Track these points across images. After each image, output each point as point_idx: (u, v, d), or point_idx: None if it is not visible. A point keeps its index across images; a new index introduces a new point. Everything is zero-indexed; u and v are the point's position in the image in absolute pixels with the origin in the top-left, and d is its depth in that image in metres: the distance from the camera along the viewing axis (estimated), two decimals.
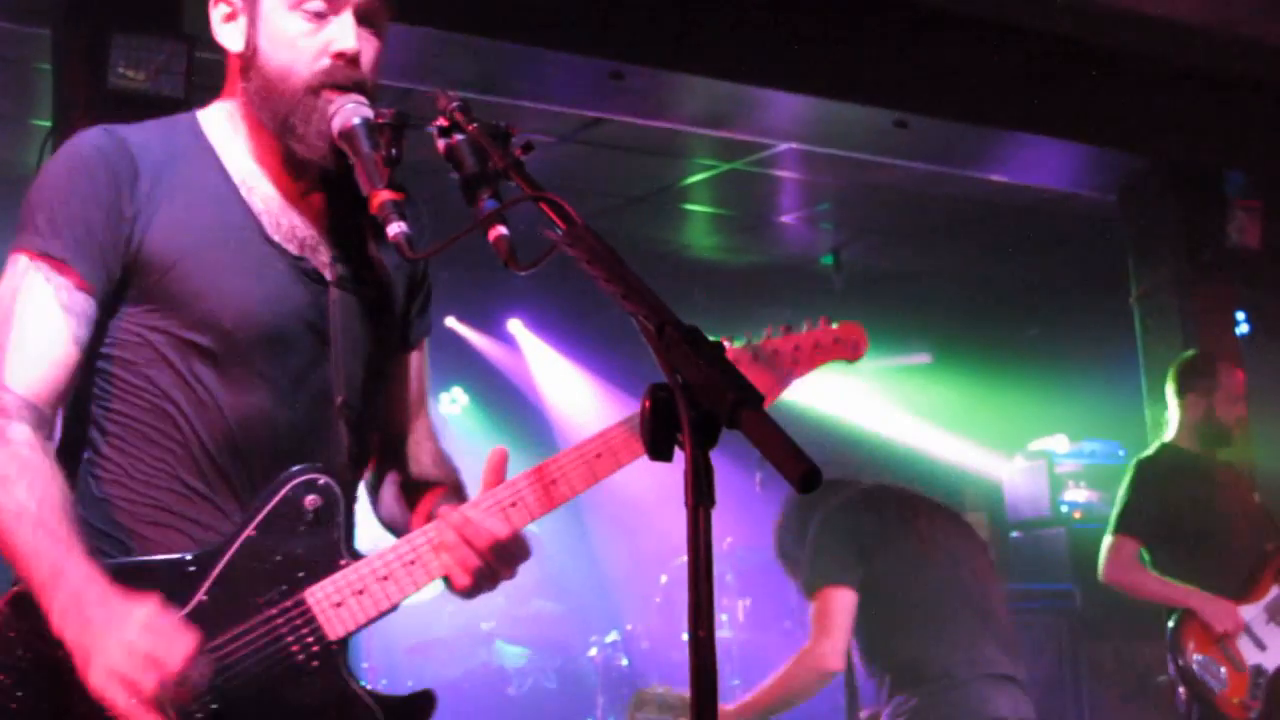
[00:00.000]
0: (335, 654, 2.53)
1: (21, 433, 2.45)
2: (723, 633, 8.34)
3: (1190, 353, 7.38)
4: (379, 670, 7.75)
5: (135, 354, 2.57)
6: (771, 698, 5.08)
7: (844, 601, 4.99)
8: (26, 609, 2.37)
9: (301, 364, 2.62)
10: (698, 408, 1.82)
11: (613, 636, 7.79)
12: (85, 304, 2.52)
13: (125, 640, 2.26)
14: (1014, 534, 9.42)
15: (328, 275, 2.67)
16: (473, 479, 2.71)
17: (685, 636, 6.43)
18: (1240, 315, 9.35)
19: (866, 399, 11.82)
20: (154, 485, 2.56)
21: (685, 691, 5.30)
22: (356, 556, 2.58)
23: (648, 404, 1.85)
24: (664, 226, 10.43)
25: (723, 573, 8.43)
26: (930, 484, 10.56)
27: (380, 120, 2.51)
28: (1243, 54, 7.91)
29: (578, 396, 11.39)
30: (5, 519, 2.37)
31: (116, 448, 2.59)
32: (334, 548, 2.56)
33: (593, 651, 7.91)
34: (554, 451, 2.68)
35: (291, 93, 2.58)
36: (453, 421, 11.79)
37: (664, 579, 8.79)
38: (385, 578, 2.55)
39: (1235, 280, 8.58)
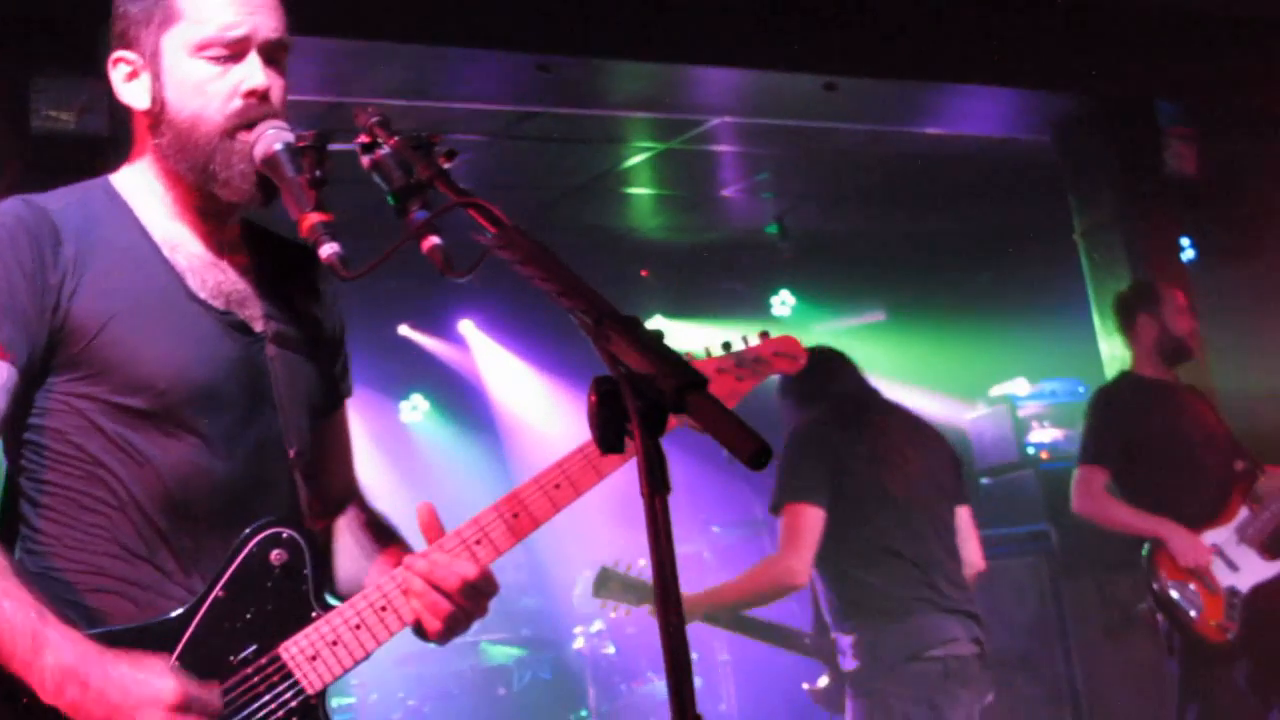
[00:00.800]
0: (315, 707, 2.53)
1: None
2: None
3: (1125, 287, 7.44)
4: (369, 685, 7.75)
5: (64, 423, 2.54)
6: (735, 594, 5.30)
7: (813, 519, 5.11)
8: None
9: (236, 418, 2.60)
10: (643, 396, 1.82)
11: (598, 626, 7.80)
12: (6, 373, 2.48)
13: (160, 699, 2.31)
14: (984, 480, 9.43)
15: (258, 328, 2.66)
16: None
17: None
18: (1185, 241, 9.41)
19: None
20: (92, 552, 2.53)
21: (648, 578, 5.44)
22: (328, 607, 2.57)
23: (594, 398, 1.86)
24: (608, 212, 10.45)
25: (699, 551, 8.45)
26: None
27: (301, 143, 2.51)
28: None
29: (530, 395, 11.36)
30: None
31: (51, 519, 2.55)
32: (304, 601, 2.56)
33: (579, 643, 7.91)
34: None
35: (207, 139, 2.57)
36: (415, 428, 11.77)
37: (642, 562, 8.79)
38: (358, 626, 2.55)
39: (1176, 208, 8.62)
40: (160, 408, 2.52)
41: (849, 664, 5.16)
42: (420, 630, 2.60)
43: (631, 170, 9.45)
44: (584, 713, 7.52)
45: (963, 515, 5.54)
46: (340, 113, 7.03)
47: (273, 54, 2.63)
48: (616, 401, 1.84)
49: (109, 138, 5.47)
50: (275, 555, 2.55)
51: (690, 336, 11.57)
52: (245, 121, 2.56)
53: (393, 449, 11.10)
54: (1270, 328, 9.04)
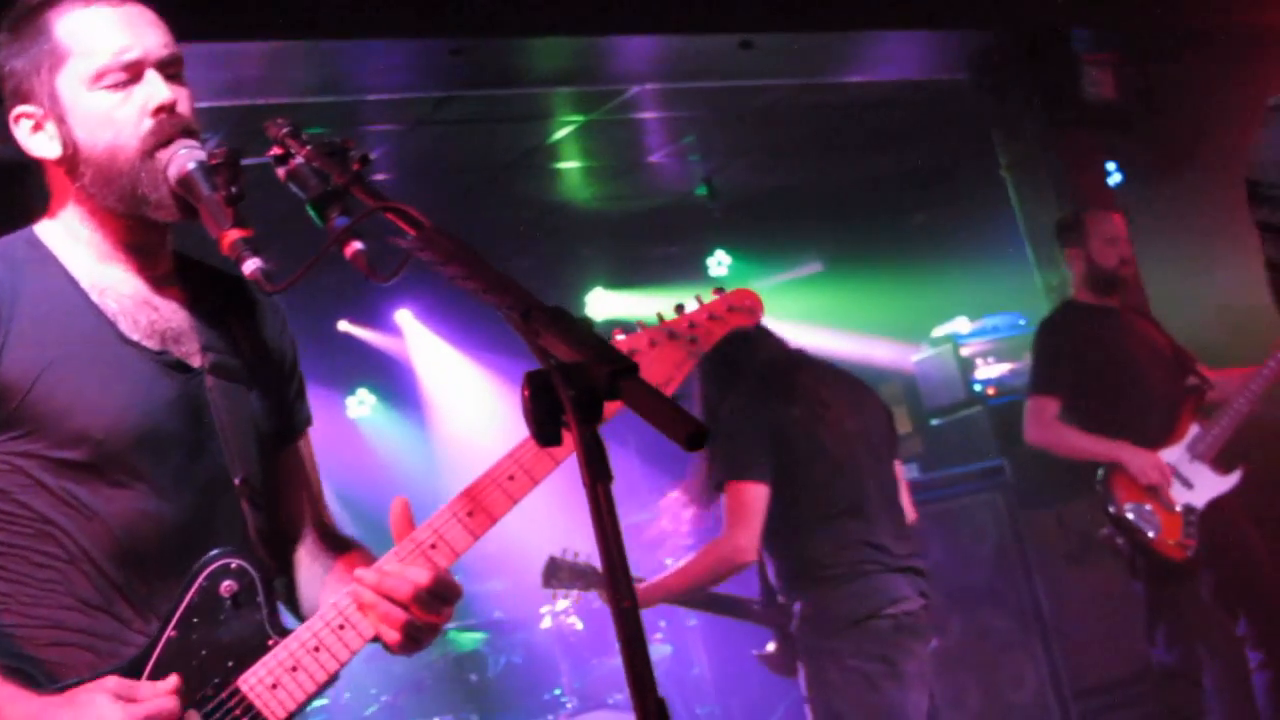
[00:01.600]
0: None
1: None
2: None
3: (1063, 214, 7.48)
4: (341, 684, 7.71)
5: (8, 482, 2.50)
6: (684, 582, 5.24)
7: (756, 495, 5.08)
8: None
9: (181, 457, 2.57)
10: (576, 386, 1.81)
11: (563, 604, 7.78)
12: None
13: None
14: (934, 421, 9.47)
15: (196, 363, 2.63)
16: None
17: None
18: (1111, 165, 9.47)
19: (768, 321, 11.84)
20: (49, 606, 2.49)
21: (597, 564, 5.43)
22: (285, 633, 2.55)
23: (526, 393, 1.85)
24: (539, 188, 10.42)
25: (657, 518, 8.45)
26: None
27: (214, 161, 2.49)
28: None
29: (470, 382, 11.33)
30: None
31: (4, 578, 2.51)
32: (259, 629, 2.54)
33: (546, 623, 7.92)
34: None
35: (129, 165, 2.55)
36: (363, 423, 11.73)
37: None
38: (317, 649, 2.51)
39: (1099, 133, 8.67)
40: (101, 458, 2.49)
41: (802, 627, 5.16)
42: (385, 644, 2.57)
43: (558, 145, 9.44)
44: (558, 691, 7.52)
45: (895, 468, 5.57)
46: (257, 116, 6.99)
47: (169, 69, 2.60)
48: (550, 394, 1.83)
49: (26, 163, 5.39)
50: (225, 587, 2.52)
51: (630, 305, 11.59)
52: (161, 139, 2.54)
53: (341, 445, 11.08)
54: (1203, 242, 9.12)
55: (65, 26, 2.57)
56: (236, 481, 2.62)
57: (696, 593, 5.40)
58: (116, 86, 2.55)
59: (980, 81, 8.64)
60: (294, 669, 2.50)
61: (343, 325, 11.27)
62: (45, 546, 2.50)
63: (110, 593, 2.50)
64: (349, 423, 11.73)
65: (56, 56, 2.56)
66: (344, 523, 2.96)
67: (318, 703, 7.95)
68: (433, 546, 2.55)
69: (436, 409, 11.48)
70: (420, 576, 2.50)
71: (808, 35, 7.78)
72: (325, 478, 2.93)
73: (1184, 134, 9.10)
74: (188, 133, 2.56)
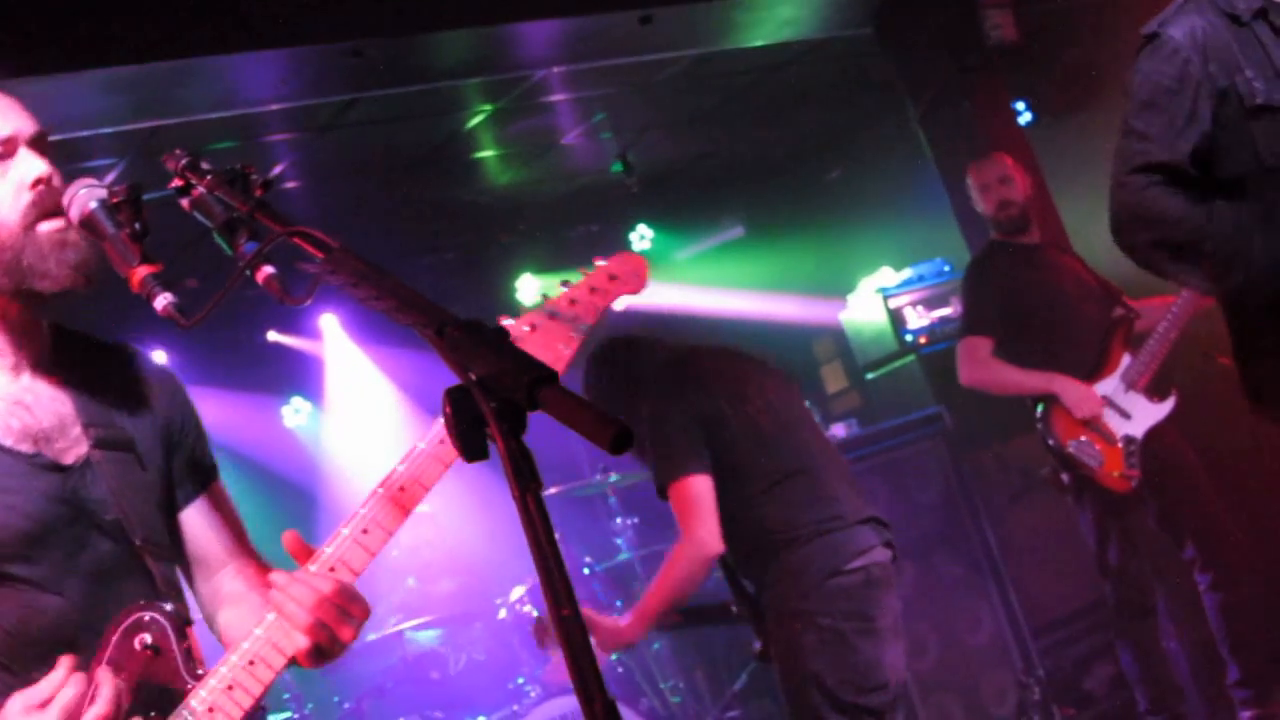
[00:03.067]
0: None
1: None
2: (622, 556, 8.39)
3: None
4: (304, 696, 7.71)
5: None
6: (663, 595, 5.14)
7: (703, 486, 5.04)
8: None
9: (61, 556, 2.59)
10: (496, 398, 1.82)
11: (517, 593, 7.79)
12: None
13: None
14: (869, 375, 9.53)
15: (74, 456, 2.65)
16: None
17: (586, 571, 6.50)
18: (1020, 106, 9.52)
19: (695, 289, 11.89)
20: None
21: (588, 610, 5.37)
22: (199, 677, 2.56)
23: (448, 409, 1.85)
24: (457, 181, 10.37)
25: (605, 495, 8.46)
26: (780, 348, 10.69)
27: (116, 199, 2.47)
28: None
29: (399, 383, 11.31)
30: None
31: None
32: (176, 676, 2.56)
33: (502, 614, 7.91)
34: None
35: (11, 238, 2.56)
36: (301, 432, 11.66)
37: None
38: (231, 687, 2.54)
39: (1004, 76, 8.70)
40: None
41: (769, 596, 5.12)
42: (295, 664, 2.60)
43: (471, 136, 9.40)
44: (520, 680, 7.51)
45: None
46: (160, 136, 6.94)
47: (40, 146, 2.63)
48: (471, 408, 1.84)
49: None
50: (140, 640, 2.55)
51: (555, 287, 11.57)
52: (43, 211, 2.56)
53: (281, 455, 11.03)
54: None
55: None
56: (138, 542, 2.64)
57: (680, 603, 5.32)
58: None
59: (884, 34, 8.65)
60: (211, 710, 2.53)
61: (271, 335, 11.20)
62: None
63: (13, 684, 2.50)
64: (287, 432, 11.66)
65: None
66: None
67: (281, 716, 7.94)
68: (331, 569, 2.57)
69: (362, 414, 11.39)
70: (324, 585, 2.53)
71: (706, 5, 7.77)
72: (268, 489, 2.95)
73: (1086, 69, 9.15)
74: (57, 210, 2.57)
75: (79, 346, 2.76)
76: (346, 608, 2.55)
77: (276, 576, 2.56)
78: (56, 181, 2.60)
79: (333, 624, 2.53)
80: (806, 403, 5.75)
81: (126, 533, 2.62)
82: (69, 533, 2.59)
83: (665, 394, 5.24)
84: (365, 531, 2.58)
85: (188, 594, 2.85)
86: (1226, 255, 3.57)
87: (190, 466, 2.88)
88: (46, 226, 2.55)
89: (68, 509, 2.60)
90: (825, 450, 5.36)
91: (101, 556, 2.62)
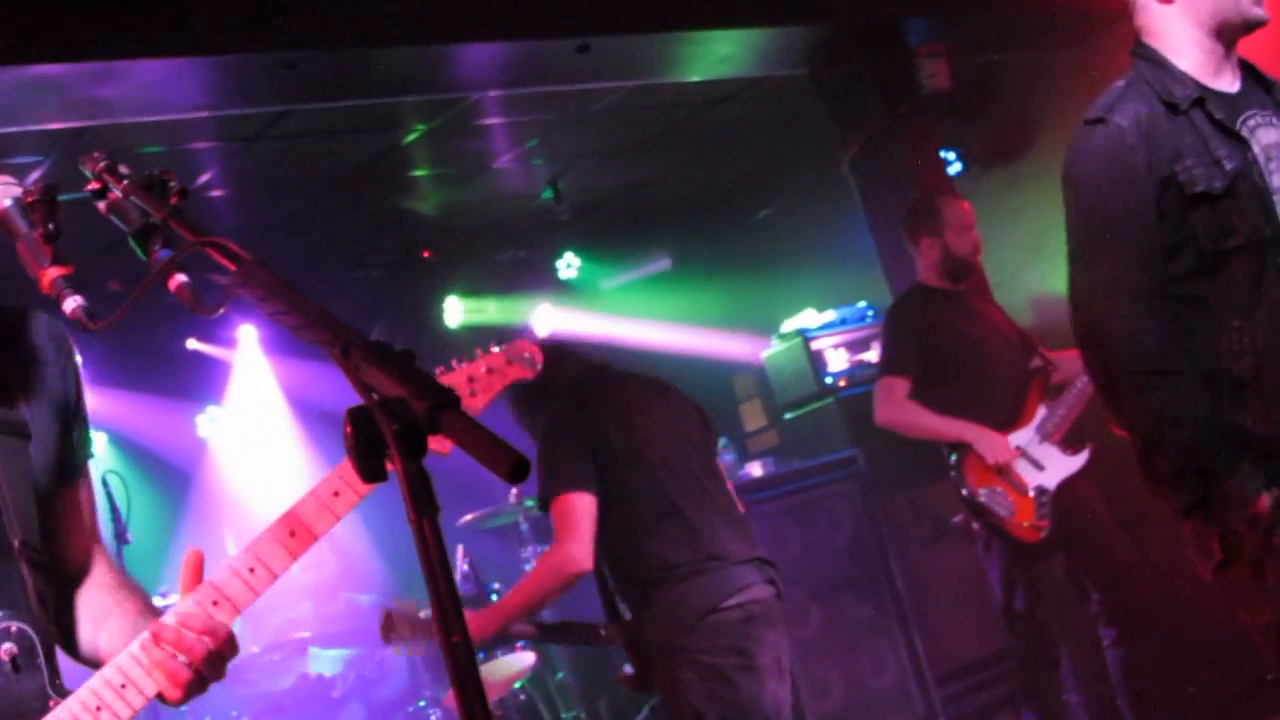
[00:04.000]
0: None
1: None
2: None
3: (914, 201, 7.54)
4: (200, 709, 7.63)
5: None
6: (521, 601, 5.20)
7: (584, 504, 5.09)
8: None
9: None
10: (398, 420, 1.80)
11: (423, 613, 7.74)
12: None
13: None
14: (787, 415, 9.56)
15: None
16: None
17: (494, 598, 6.45)
18: (950, 155, 9.59)
19: (620, 320, 11.91)
20: None
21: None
22: (66, 694, 2.52)
23: (349, 429, 1.84)
24: (387, 196, 10.32)
25: (517, 523, 8.44)
26: (701, 383, 10.69)
27: (30, 198, 2.43)
28: None
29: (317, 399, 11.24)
30: None
31: None
32: (40, 692, 2.51)
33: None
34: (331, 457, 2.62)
35: None
36: (213, 440, 11.56)
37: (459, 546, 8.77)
38: (99, 708, 2.49)
39: (936, 124, 8.77)
40: None
41: (651, 631, 5.16)
42: (161, 697, 2.55)
43: (404, 154, 9.36)
44: (422, 703, 7.48)
45: (718, 464, 5.62)
46: (88, 137, 6.88)
47: None
48: (372, 429, 1.82)
49: None
50: (4, 650, 2.50)
51: (485, 312, 11.56)
52: None
53: (191, 461, 10.96)
54: (1040, 228, 9.23)
55: None
56: (15, 544, 2.57)
57: (535, 611, 5.37)
58: None
59: (818, 76, 8.70)
60: None
61: (190, 343, 11.11)
62: None
63: None
64: (199, 440, 11.56)
65: None
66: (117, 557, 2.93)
67: None
68: (215, 604, 2.53)
69: (290, 423, 11.34)
70: (220, 629, 2.52)
71: (644, 37, 7.79)
72: (181, 499, 2.90)
73: (1017, 122, 9.25)
74: None
75: None
76: (228, 654, 2.53)
77: (161, 628, 2.50)
78: None
79: (209, 674, 2.52)
80: (722, 439, 5.78)
81: (6, 531, 2.56)
82: None
83: (563, 410, 5.30)
84: (251, 570, 2.56)
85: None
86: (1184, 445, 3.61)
87: (75, 449, 2.80)
88: None
89: None
90: (713, 487, 5.39)
91: None
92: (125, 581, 2.83)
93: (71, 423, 2.79)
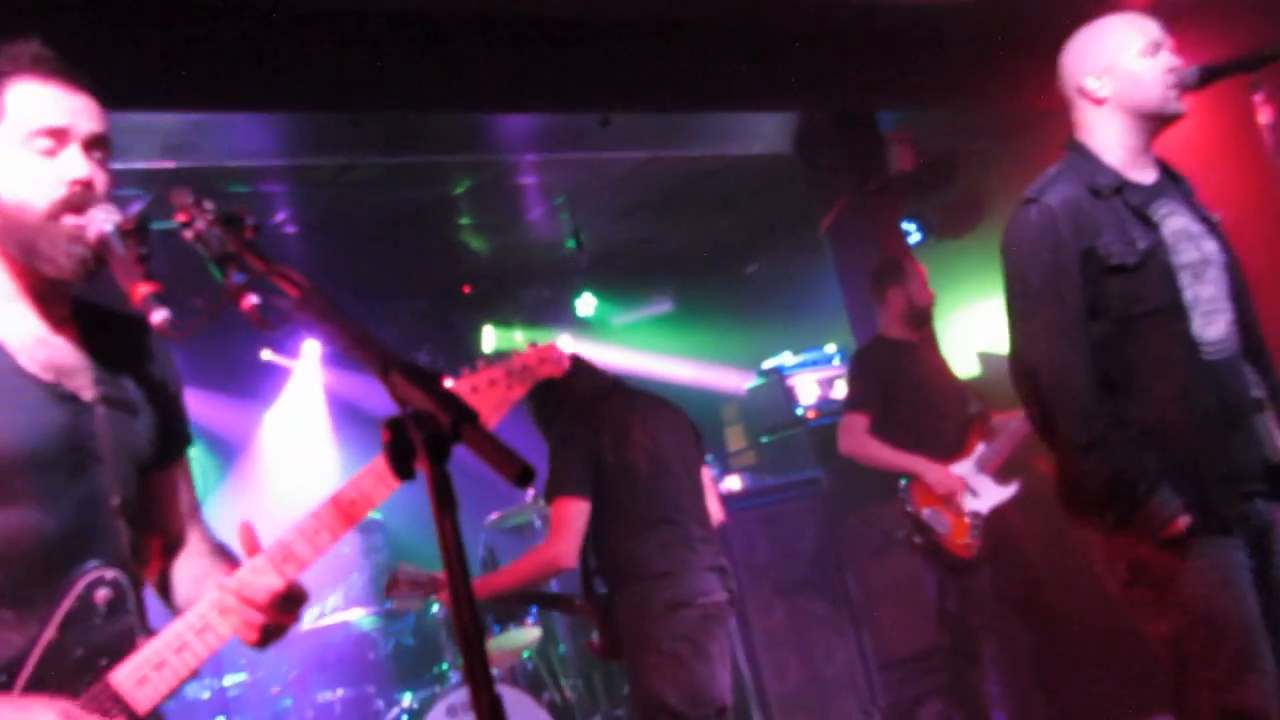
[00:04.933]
0: None
1: None
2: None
3: (882, 261, 7.56)
4: (256, 663, 7.64)
5: None
6: (510, 581, 5.24)
7: (578, 509, 5.12)
8: None
9: (62, 477, 2.46)
10: (427, 431, 1.81)
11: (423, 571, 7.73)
12: None
13: None
14: (763, 439, 9.56)
15: (87, 395, 2.54)
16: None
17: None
18: (911, 226, 9.60)
19: (628, 351, 11.91)
20: None
21: (436, 572, 5.42)
22: (151, 634, 2.48)
23: (386, 436, 1.84)
24: (435, 241, 10.32)
25: (532, 521, 8.41)
26: (692, 408, 10.64)
27: (127, 226, 2.44)
28: (867, 12, 8.07)
29: (322, 409, 11.24)
30: None
31: None
32: (129, 633, 2.47)
33: (435, 608, 7.84)
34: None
35: (33, 221, 2.47)
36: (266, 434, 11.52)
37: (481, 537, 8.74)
38: (180, 648, 2.45)
39: (900, 199, 8.78)
40: None
41: (625, 615, 5.20)
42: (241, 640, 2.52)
43: (450, 202, 9.36)
44: (444, 666, 7.44)
45: (705, 475, 5.61)
46: (185, 175, 6.89)
47: (94, 147, 2.54)
48: (405, 437, 1.83)
49: None
50: (100, 596, 2.45)
51: (514, 340, 11.56)
52: (70, 206, 2.47)
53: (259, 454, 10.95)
54: (985, 290, 9.25)
55: (14, 92, 2.51)
56: (115, 502, 2.53)
57: (521, 589, 5.43)
58: (42, 152, 2.49)
59: (803, 155, 8.71)
60: (159, 666, 2.44)
61: (265, 354, 11.09)
62: None
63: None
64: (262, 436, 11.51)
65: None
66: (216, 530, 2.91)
67: (238, 679, 7.84)
68: (284, 560, 2.49)
69: (303, 426, 11.27)
70: (275, 583, 2.47)
71: (657, 115, 7.81)
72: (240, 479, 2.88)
73: (969, 200, 9.25)
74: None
75: (97, 315, 2.64)
76: (294, 599, 2.49)
77: (226, 581, 2.48)
78: (97, 185, 2.52)
79: (281, 619, 2.49)
80: (708, 455, 5.78)
81: (107, 490, 2.53)
82: (70, 461, 2.48)
83: (573, 421, 5.31)
84: (316, 533, 2.52)
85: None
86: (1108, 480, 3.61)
87: (176, 435, 2.78)
88: (70, 220, 2.47)
89: (74, 438, 2.49)
90: (692, 502, 5.40)
91: (93, 493, 2.49)
92: (219, 548, 2.80)
93: (171, 414, 2.77)
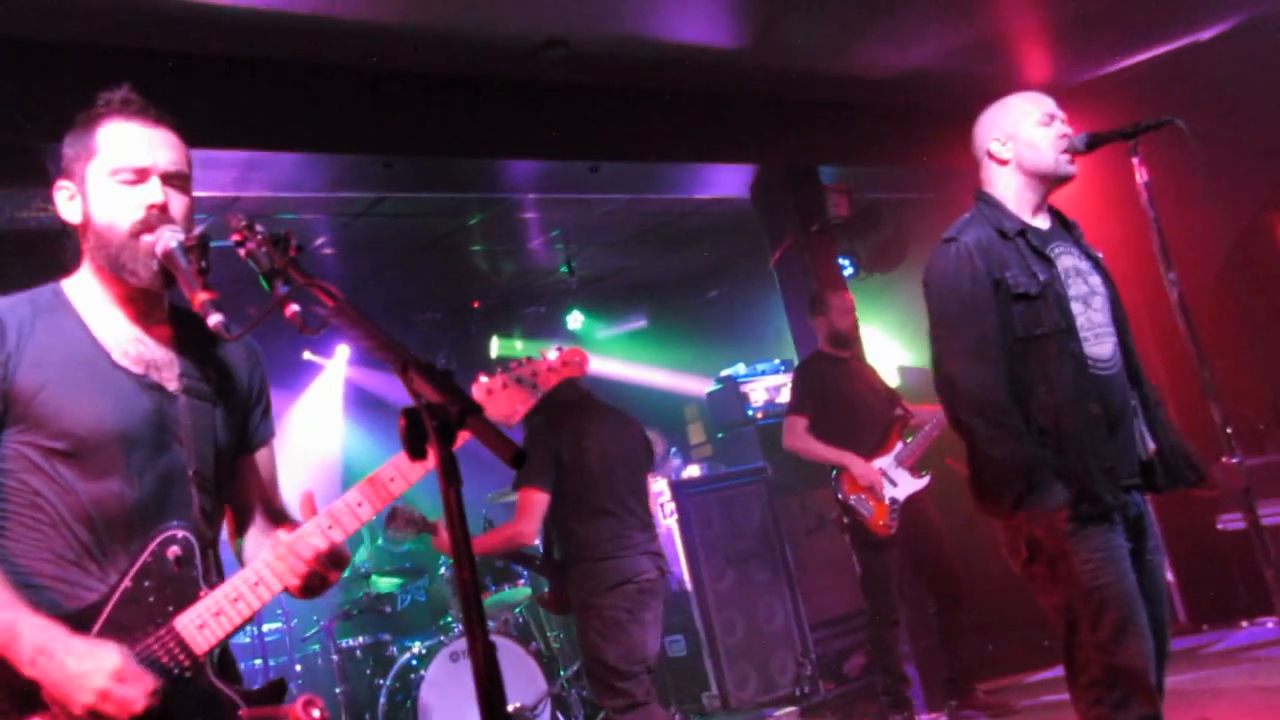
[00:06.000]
0: (203, 665, 2.44)
1: None
2: None
3: (811, 295, 7.57)
4: (291, 612, 7.59)
5: (15, 465, 2.43)
6: (482, 547, 5.29)
7: (539, 499, 5.19)
8: None
9: (146, 453, 2.47)
10: (437, 419, 1.79)
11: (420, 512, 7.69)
12: None
13: (100, 688, 2.24)
14: (720, 435, 9.55)
15: (171, 386, 2.55)
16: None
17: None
18: (845, 262, 9.60)
19: (610, 360, 11.89)
20: (32, 559, 2.41)
21: (432, 518, 5.43)
22: (214, 587, 2.48)
23: (403, 422, 1.82)
24: (451, 265, 10.26)
25: None
26: (661, 408, 10.65)
27: (190, 243, 2.44)
28: (814, 83, 8.06)
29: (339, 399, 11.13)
30: None
31: (8, 535, 2.42)
32: (194, 584, 2.46)
33: (442, 570, 7.82)
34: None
35: (119, 239, 2.49)
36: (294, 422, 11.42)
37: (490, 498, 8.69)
38: (236, 599, 2.45)
39: (837, 239, 8.79)
40: (81, 449, 2.42)
41: (575, 587, 5.27)
42: (288, 592, 2.51)
43: (465, 232, 9.31)
44: (449, 619, 7.41)
45: (647, 481, 5.66)
46: (240, 204, 6.84)
47: (173, 181, 2.53)
48: (419, 424, 1.80)
49: (61, 229, 5.19)
50: (172, 552, 2.45)
51: (516, 349, 11.52)
52: (146, 228, 2.48)
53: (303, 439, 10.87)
54: (910, 315, 9.26)
55: (104, 132, 2.52)
56: (190, 474, 2.53)
57: (485, 555, 5.58)
58: (127, 183, 2.50)
59: (757, 201, 8.71)
60: (218, 614, 2.44)
61: (306, 354, 11.03)
62: (35, 514, 2.42)
63: (80, 549, 2.42)
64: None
65: (90, 151, 2.52)
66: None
67: (274, 625, 7.78)
68: (330, 526, 2.48)
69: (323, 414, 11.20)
70: (321, 543, 2.46)
71: (640, 164, 7.79)
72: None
73: (895, 240, 9.24)
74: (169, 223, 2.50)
75: (190, 319, 2.63)
76: (336, 559, 2.48)
77: (281, 534, 2.48)
78: (177, 211, 2.52)
79: (325, 573, 2.47)
80: (673, 448, 5.77)
81: (185, 462, 2.52)
82: (153, 440, 2.48)
83: (540, 425, 5.35)
84: (359, 504, 2.50)
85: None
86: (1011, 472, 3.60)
87: (255, 428, 2.77)
88: (147, 239, 2.48)
89: (158, 422, 2.50)
90: (634, 499, 5.43)
91: (171, 465, 2.50)
92: (283, 516, 2.79)
93: (251, 411, 2.76)
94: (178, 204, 2.53)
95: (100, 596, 2.40)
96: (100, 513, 2.43)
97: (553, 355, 2.98)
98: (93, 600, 2.40)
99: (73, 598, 2.40)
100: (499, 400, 2.62)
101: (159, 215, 2.48)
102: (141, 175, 2.49)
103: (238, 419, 2.70)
